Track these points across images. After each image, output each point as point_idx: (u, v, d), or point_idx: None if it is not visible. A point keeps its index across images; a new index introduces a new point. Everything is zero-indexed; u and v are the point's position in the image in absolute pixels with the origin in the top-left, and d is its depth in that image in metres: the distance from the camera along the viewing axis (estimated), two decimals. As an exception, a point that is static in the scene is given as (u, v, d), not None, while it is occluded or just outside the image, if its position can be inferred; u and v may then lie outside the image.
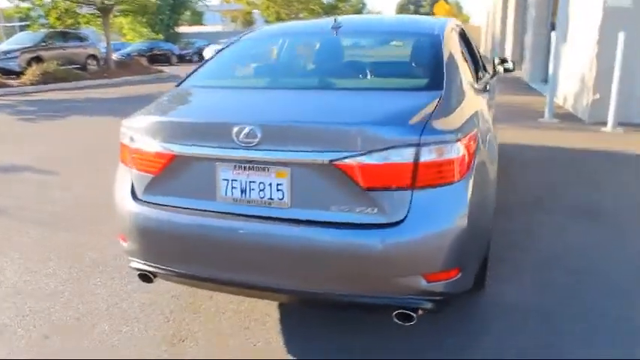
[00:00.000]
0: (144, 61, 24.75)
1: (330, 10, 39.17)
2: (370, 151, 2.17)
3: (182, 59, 33.53)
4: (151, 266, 2.64)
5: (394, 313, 2.33)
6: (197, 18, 53.80)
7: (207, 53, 32.19)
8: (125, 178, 2.68)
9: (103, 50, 22.19)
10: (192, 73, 3.28)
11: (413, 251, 2.22)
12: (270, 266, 2.35)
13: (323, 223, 2.26)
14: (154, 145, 2.50)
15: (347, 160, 2.18)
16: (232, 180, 2.37)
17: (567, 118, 9.33)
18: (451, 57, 2.96)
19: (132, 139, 2.62)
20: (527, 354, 2.61)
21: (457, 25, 3.81)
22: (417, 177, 2.19)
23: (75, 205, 5.11)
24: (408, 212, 2.20)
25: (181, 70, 25.70)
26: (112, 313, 3.08)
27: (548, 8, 14.62)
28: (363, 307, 2.53)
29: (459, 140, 2.26)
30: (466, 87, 2.87)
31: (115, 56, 23.02)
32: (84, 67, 20.54)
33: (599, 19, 8.42)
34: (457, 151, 2.25)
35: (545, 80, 13.89)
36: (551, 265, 3.54)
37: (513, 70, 5.03)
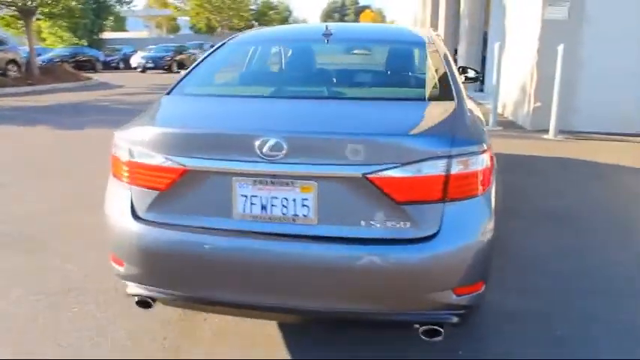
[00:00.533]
0: (68, 67, 23.64)
1: (260, 17, 39.17)
2: (405, 164, 2.10)
3: (107, 66, 32.40)
4: (154, 291, 2.44)
5: (422, 329, 2.27)
6: (119, 24, 52.08)
7: (135, 61, 31.26)
8: (121, 195, 2.44)
9: (24, 55, 20.97)
10: (181, 80, 3.06)
11: (446, 265, 2.17)
12: (293, 286, 2.22)
13: (353, 240, 2.16)
14: (160, 159, 2.30)
15: (381, 174, 2.10)
16: (252, 196, 2.22)
17: (509, 125, 9.69)
18: (450, 65, 2.96)
19: (131, 153, 2.39)
20: None
21: (436, 34, 3.83)
22: (449, 189, 2.15)
23: (27, 222, 4.71)
24: (440, 226, 2.15)
25: (110, 77, 24.80)
26: (98, 343, 2.83)
27: (481, 19, 15.20)
28: (388, 325, 2.46)
29: (484, 151, 2.24)
30: (466, 96, 2.87)
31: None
32: (4, 73, 19.29)
33: (537, 31, 8.81)
34: (482, 162, 2.23)
35: (481, 89, 14.42)
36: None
37: (476, 80, 5.06)
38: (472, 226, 2.23)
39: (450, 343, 2.57)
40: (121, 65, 33.42)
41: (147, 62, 29.90)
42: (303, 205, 2.19)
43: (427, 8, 24.39)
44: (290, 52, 3.68)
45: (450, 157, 2.13)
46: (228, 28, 33.65)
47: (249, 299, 2.31)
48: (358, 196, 2.15)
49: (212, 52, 3.35)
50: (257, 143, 2.14)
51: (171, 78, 24.51)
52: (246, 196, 2.23)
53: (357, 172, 2.11)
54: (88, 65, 29.28)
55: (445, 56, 3.04)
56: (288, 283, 2.22)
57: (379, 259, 2.14)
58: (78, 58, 29.49)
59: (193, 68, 3.19)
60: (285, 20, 56.69)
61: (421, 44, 3.30)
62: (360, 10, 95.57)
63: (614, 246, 4.15)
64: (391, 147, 2.14)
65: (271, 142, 2.13)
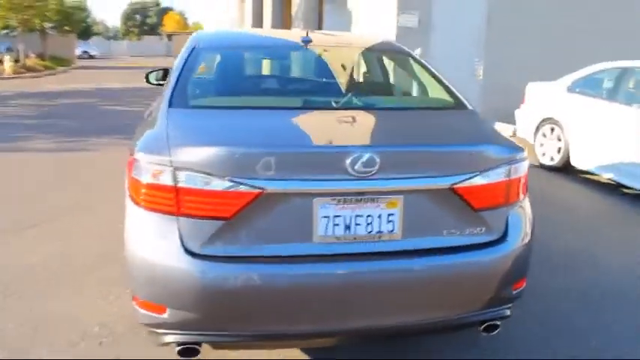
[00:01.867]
0: None
1: (64, 18, 35.98)
2: (482, 172, 2.22)
3: None
4: (210, 335, 2.18)
5: (484, 326, 2.40)
6: None
7: None
8: (162, 228, 2.10)
9: None
10: (174, 90, 2.63)
11: (513, 263, 2.33)
12: (380, 305, 2.18)
13: (437, 250, 2.21)
14: (226, 183, 2.03)
15: (465, 183, 2.18)
16: (334, 216, 2.10)
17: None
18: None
19: (175, 177, 2.06)
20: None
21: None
22: (510, 193, 2.33)
23: None
24: (506, 228, 2.32)
25: None
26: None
27: (315, 22, 15.75)
28: (458, 328, 2.54)
29: (527, 157, 2.46)
30: None
31: None
32: None
33: (393, 37, 9.49)
34: (526, 166, 2.45)
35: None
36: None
37: None
38: (525, 225, 2.43)
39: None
40: None
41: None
42: (389, 221, 2.15)
43: (247, 10, 24.22)
44: (289, 60, 3.49)
45: (510, 162, 2.31)
46: (29, 29, 30.34)
47: (330, 326, 2.20)
48: (441, 207, 2.21)
49: (187, 58, 2.90)
50: (348, 160, 2.04)
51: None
52: (328, 217, 2.11)
53: (445, 183, 2.17)
54: None
55: (428, 64, 3.20)
56: (373, 303, 2.16)
57: (464, 265, 2.23)
58: None
59: (178, 78, 2.72)
60: (83, 20, 51.58)
61: (409, 54, 3.40)
62: (162, 13, 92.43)
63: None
64: (474, 156, 2.25)
65: (364, 158, 2.05)
